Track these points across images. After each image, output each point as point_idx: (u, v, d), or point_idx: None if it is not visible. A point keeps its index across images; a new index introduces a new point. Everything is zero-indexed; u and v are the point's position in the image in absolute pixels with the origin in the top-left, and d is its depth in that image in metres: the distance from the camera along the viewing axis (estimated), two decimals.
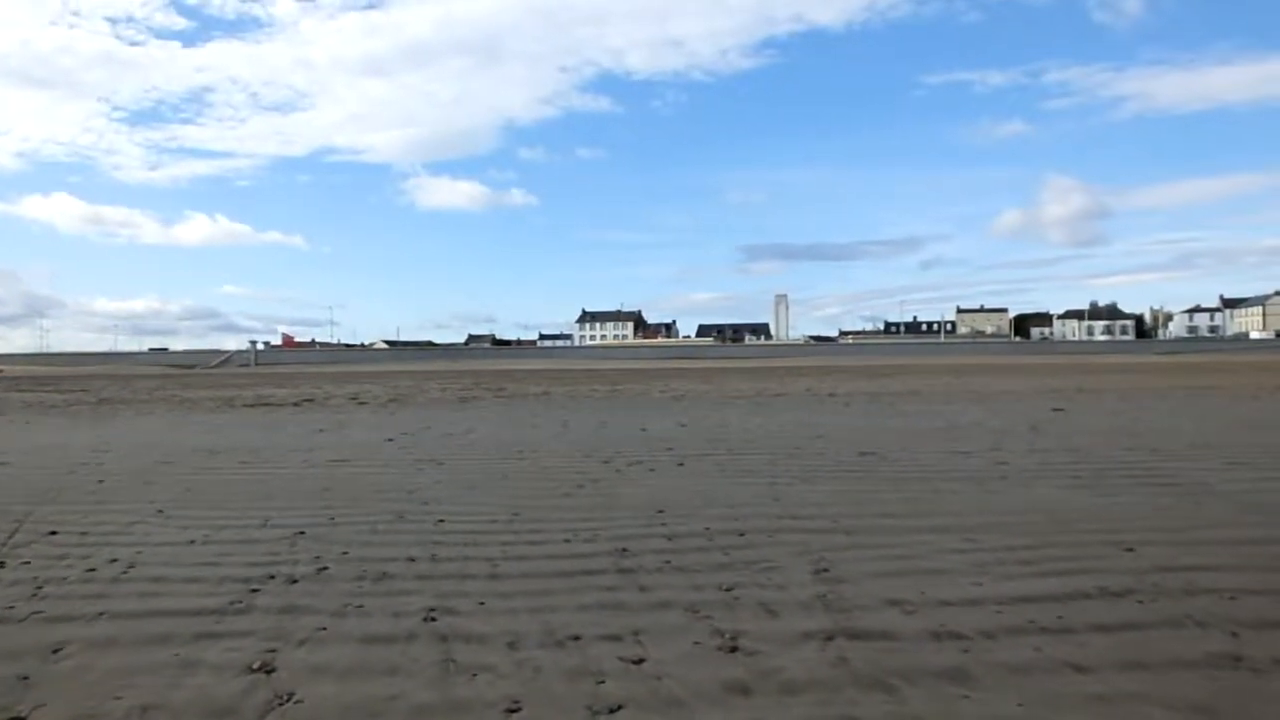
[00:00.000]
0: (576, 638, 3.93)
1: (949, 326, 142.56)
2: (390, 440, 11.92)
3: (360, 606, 4.44)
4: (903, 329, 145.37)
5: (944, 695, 3.27)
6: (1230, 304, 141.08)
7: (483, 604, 4.46)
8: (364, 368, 49.42)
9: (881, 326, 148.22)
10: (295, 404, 19.72)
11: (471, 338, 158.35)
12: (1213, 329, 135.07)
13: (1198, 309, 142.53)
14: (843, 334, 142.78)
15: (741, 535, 5.90)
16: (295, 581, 4.90)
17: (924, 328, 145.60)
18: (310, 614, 4.32)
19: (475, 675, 3.52)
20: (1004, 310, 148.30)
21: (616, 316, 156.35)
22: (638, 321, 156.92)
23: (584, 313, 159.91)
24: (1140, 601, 4.35)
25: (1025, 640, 3.83)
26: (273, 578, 4.98)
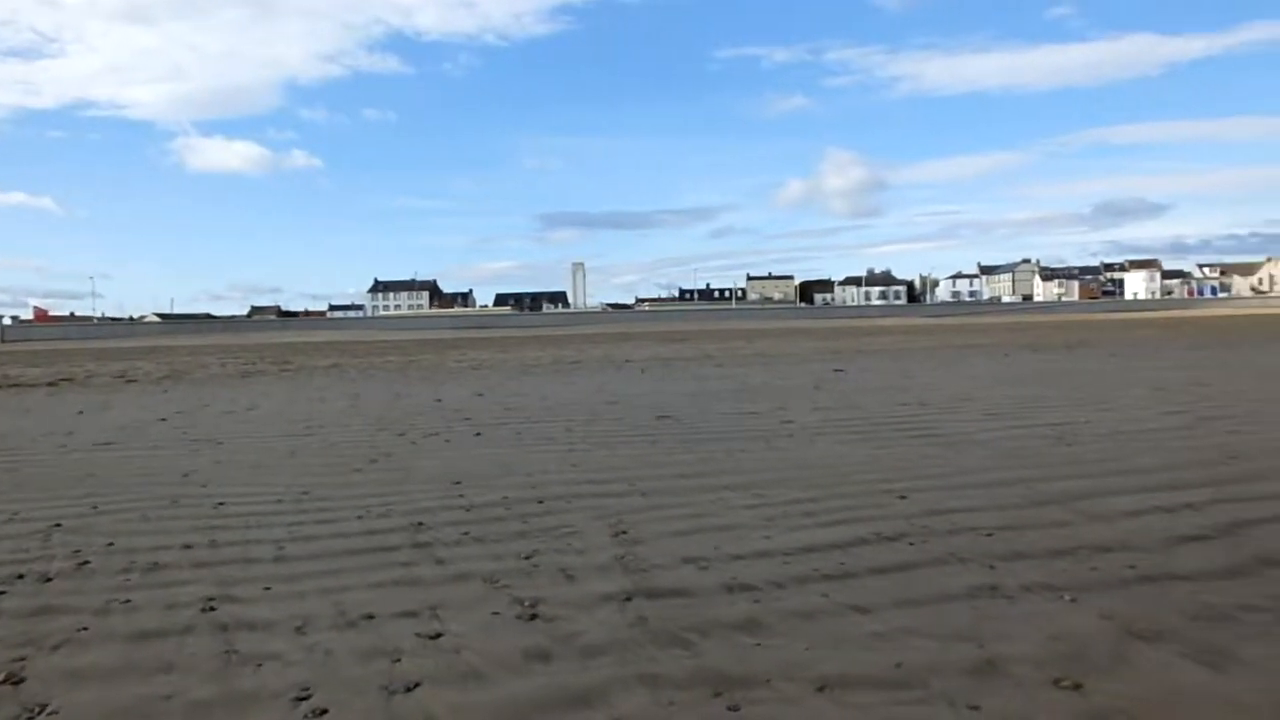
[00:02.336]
0: (370, 617, 3.80)
1: (740, 293, 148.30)
2: (163, 420, 11.05)
3: (128, 601, 4.09)
4: (696, 296, 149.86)
5: (738, 645, 3.40)
6: (986, 271, 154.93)
7: (268, 589, 4.22)
8: (133, 343, 45.58)
9: (677, 294, 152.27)
10: (50, 384, 17.89)
11: (255, 309, 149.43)
12: (972, 294, 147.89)
13: (960, 275, 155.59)
14: (639, 301, 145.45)
15: (540, 503, 5.89)
16: (49, 579, 4.45)
17: (717, 294, 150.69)
18: (68, 614, 3.93)
19: (260, 664, 3.33)
20: (790, 277, 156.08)
21: (411, 286, 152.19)
22: (433, 291, 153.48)
23: (376, 282, 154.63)
24: (912, 544, 4.70)
25: (811, 587, 4.04)
26: (21, 577, 4.49)
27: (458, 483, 6.61)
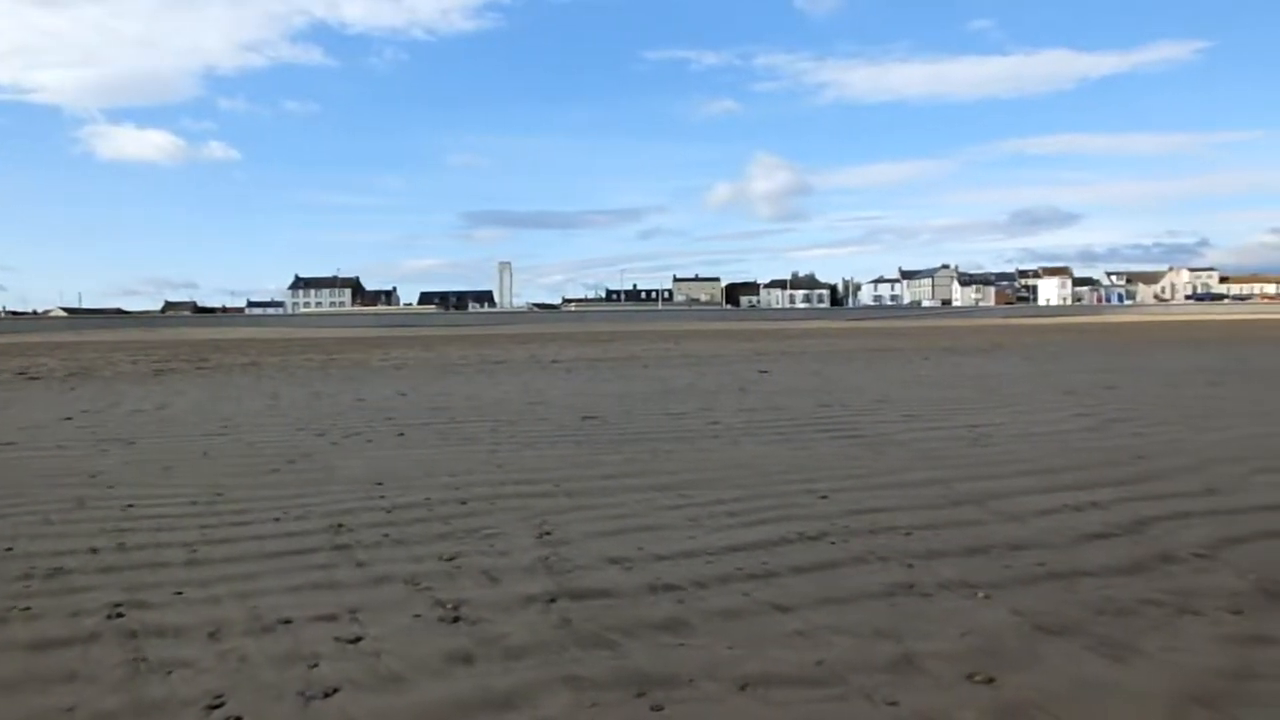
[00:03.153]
0: (287, 621, 3.71)
1: (667, 294, 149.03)
2: (69, 419, 10.63)
3: (27, 609, 3.92)
4: (623, 297, 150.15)
5: (662, 645, 3.41)
6: (907, 276, 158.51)
7: (180, 594, 4.09)
8: (37, 338, 43.66)
9: (604, 294, 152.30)
10: None
11: (169, 305, 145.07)
12: (893, 298, 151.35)
13: (881, 280, 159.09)
14: (566, 302, 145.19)
15: (464, 504, 5.83)
16: None
17: (644, 295, 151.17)
18: None
19: (171, 672, 3.22)
20: (717, 279, 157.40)
21: (333, 283, 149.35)
22: (356, 288, 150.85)
23: (297, 279, 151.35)
24: (833, 543, 4.78)
25: (734, 587, 4.08)
26: None
27: (379, 483, 6.51)
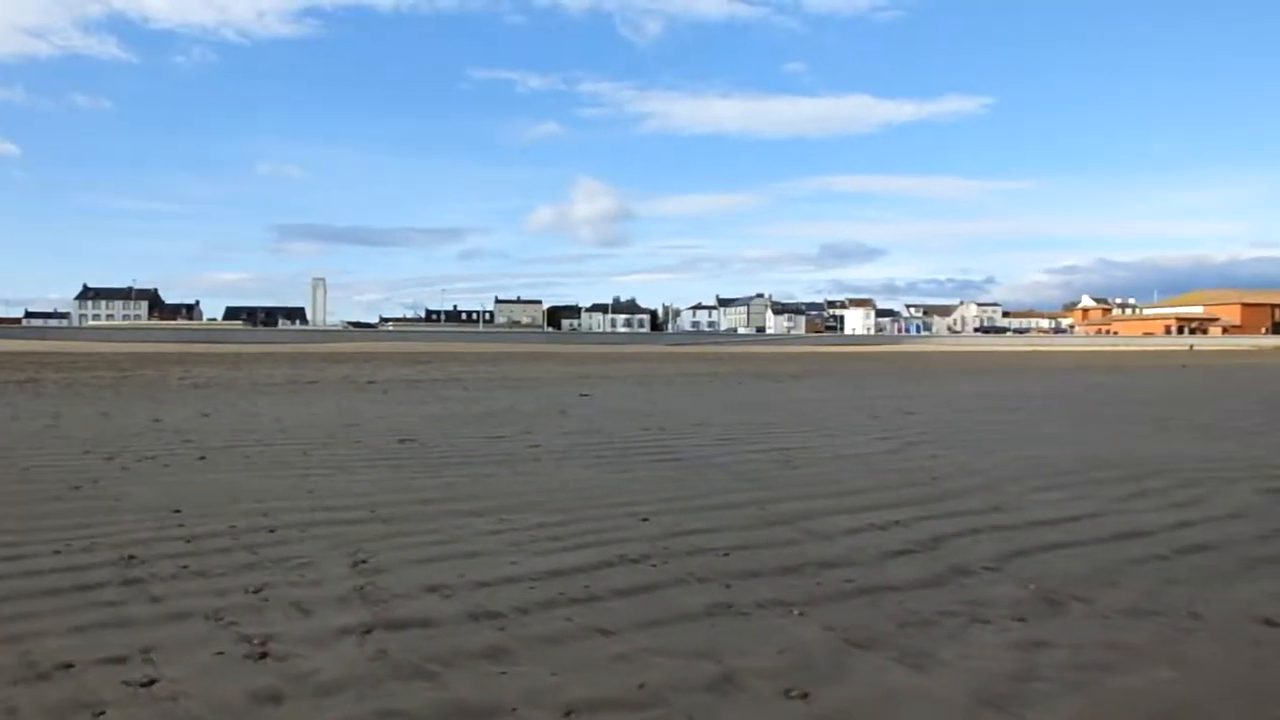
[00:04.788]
0: (68, 666, 3.37)
1: (488, 316, 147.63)
2: None
3: None
4: (444, 317, 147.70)
5: (483, 674, 3.34)
6: (724, 303, 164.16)
7: None
8: None
9: (423, 314, 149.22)
10: None
11: None
12: (710, 324, 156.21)
13: (699, 306, 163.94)
14: (384, 321, 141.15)
15: (272, 531, 5.52)
16: None
17: (464, 316, 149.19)
18: None
19: None
20: (539, 302, 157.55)
21: (127, 295, 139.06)
22: (154, 301, 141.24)
23: (86, 289, 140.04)
24: (654, 565, 4.83)
25: (557, 612, 4.05)
26: None
27: (177, 511, 6.06)
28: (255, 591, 4.32)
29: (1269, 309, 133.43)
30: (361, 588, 4.39)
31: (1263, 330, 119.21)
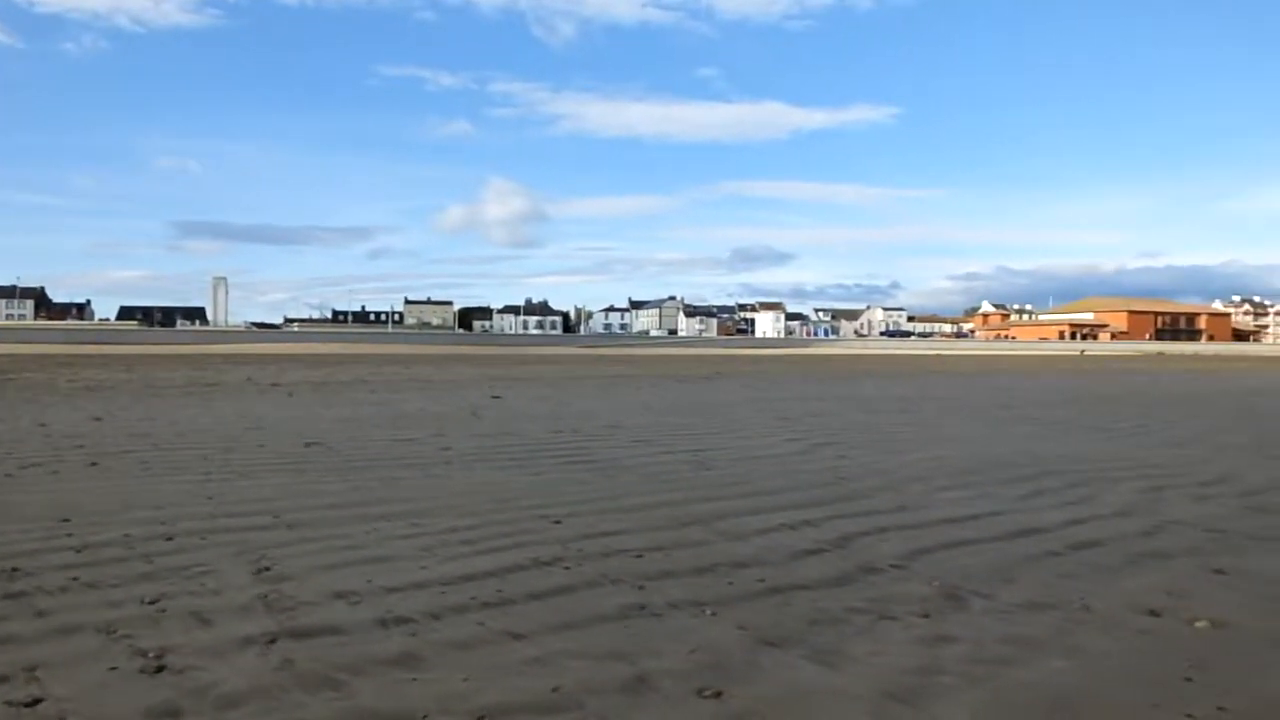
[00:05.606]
0: None
1: (398, 317, 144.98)
2: None
3: None
4: (351, 318, 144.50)
5: (393, 681, 3.27)
6: (636, 305, 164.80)
7: None
8: None
9: (330, 315, 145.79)
10: None
11: None
12: (623, 326, 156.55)
13: (612, 309, 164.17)
14: (289, 321, 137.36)
15: (170, 539, 5.31)
16: None
17: (373, 317, 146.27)
18: None
19: None
20: (450, 303, 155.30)
21: (11, 293, 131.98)
22: (40, 300, 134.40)
23: None
24: (567, 568, 4.81)
25: (469, 617, 4.00)
26: None
27: (66, 520, 5.77)
28: (151, 602, 4.14)
29: (1152, 316, 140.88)
30: (265, 596, 4.26)
31: (1147, 336, 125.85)
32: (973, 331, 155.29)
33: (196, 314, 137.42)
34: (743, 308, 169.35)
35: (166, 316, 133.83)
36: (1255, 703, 3.18)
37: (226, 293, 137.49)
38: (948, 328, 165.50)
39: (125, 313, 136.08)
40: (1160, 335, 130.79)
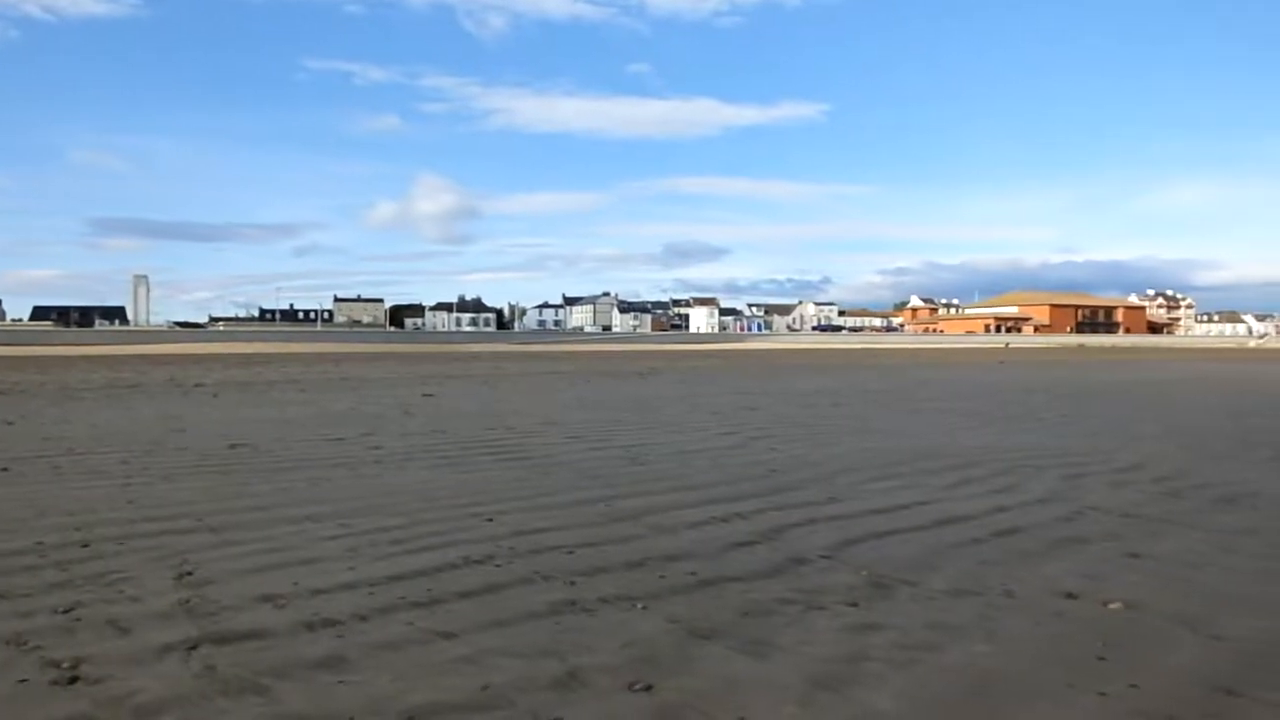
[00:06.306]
0: None
1: (327, 315, 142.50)
2: None
3: None
4: (279, 316, 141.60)
5: (319, 685, 3.21)
6: (570, 302, 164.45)
7: None
8: None
9: (257, 313, 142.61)
10: None
11: None
12: (557, 323, 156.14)
13: (546, 305, 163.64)
14: (214, 320, 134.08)
15: (85, 546, 5.13)
16: None
17: (301, 315, 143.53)
18: None
19: None
20: (380, 300, 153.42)
21: None
22: None
23: None
24: (498, 565, 4.78)
25: (398, 617, 3.95)
26: None
27: None
28: (65, 611, 4.00)
29: (1074, 310, 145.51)
30: (187, 601, 4.15)
31: (1068, 329, 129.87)
32: (902, 325, 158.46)
33: (116, 313, 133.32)
34: (677, 303, 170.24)
35: (84, 316, 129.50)
36: (1164, 680, 3.30)
37: (148, 291, 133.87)
38: (878, 322, 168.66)
39: (39, 313, 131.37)
40: (1080, 328, 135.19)
